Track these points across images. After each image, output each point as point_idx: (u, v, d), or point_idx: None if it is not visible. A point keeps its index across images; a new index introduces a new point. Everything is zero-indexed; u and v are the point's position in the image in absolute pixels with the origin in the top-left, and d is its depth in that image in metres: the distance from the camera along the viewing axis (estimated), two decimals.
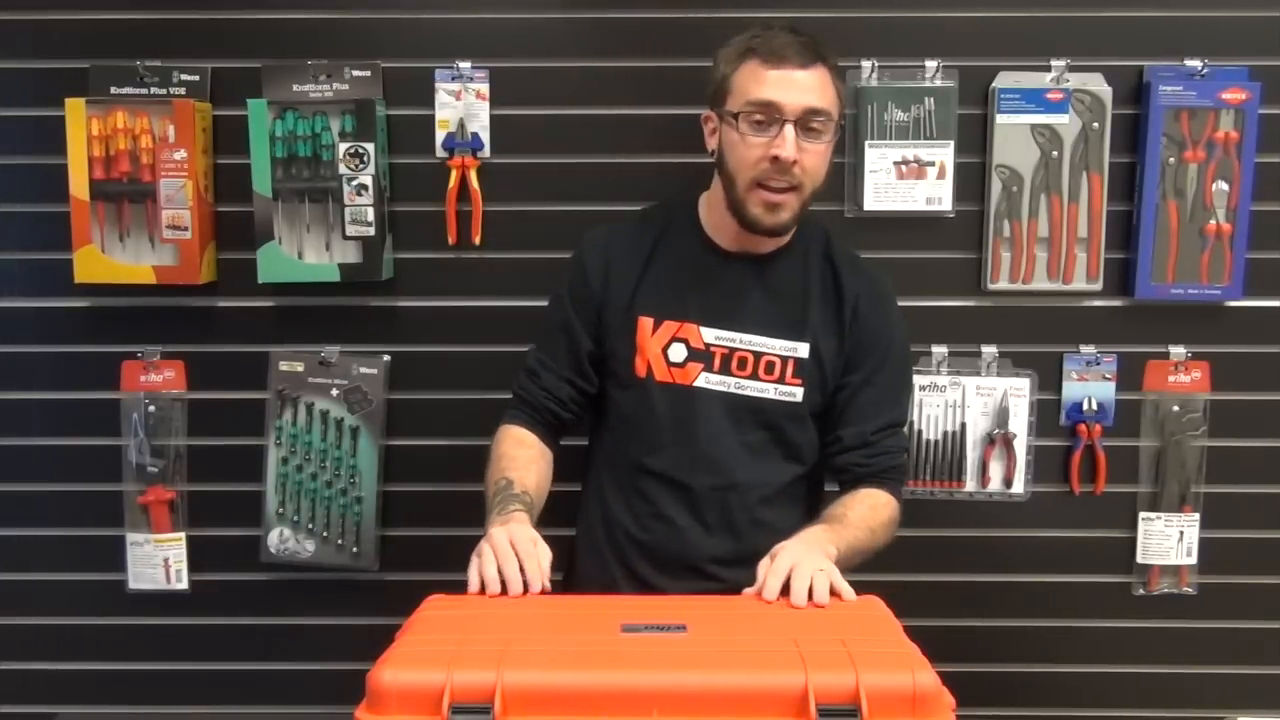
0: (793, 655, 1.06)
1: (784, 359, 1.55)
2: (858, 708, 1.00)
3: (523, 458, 1.54)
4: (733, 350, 1.55)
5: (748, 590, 1.32)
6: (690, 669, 1.06)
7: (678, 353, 1.55)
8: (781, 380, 1.55)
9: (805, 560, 1.31)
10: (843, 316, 1.57)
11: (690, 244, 1.60)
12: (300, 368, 1.92)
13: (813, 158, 1.49)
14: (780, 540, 1.43)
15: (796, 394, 1.56)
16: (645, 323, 1.56)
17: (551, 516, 1.54)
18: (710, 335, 1.55)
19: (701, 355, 1.55)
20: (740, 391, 1.55)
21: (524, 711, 1.01)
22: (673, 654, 1.10)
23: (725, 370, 1.55)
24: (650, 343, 1.56)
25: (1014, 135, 1.87)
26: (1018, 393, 1.92)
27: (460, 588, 1.31)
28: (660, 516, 1.57)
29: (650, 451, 1.57)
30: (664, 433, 1.56)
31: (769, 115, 1.46)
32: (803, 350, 1.56)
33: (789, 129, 1.45)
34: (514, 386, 1.63)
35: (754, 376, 1.55)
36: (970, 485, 1.94)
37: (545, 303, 1.66)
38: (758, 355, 1.55)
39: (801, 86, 1.47)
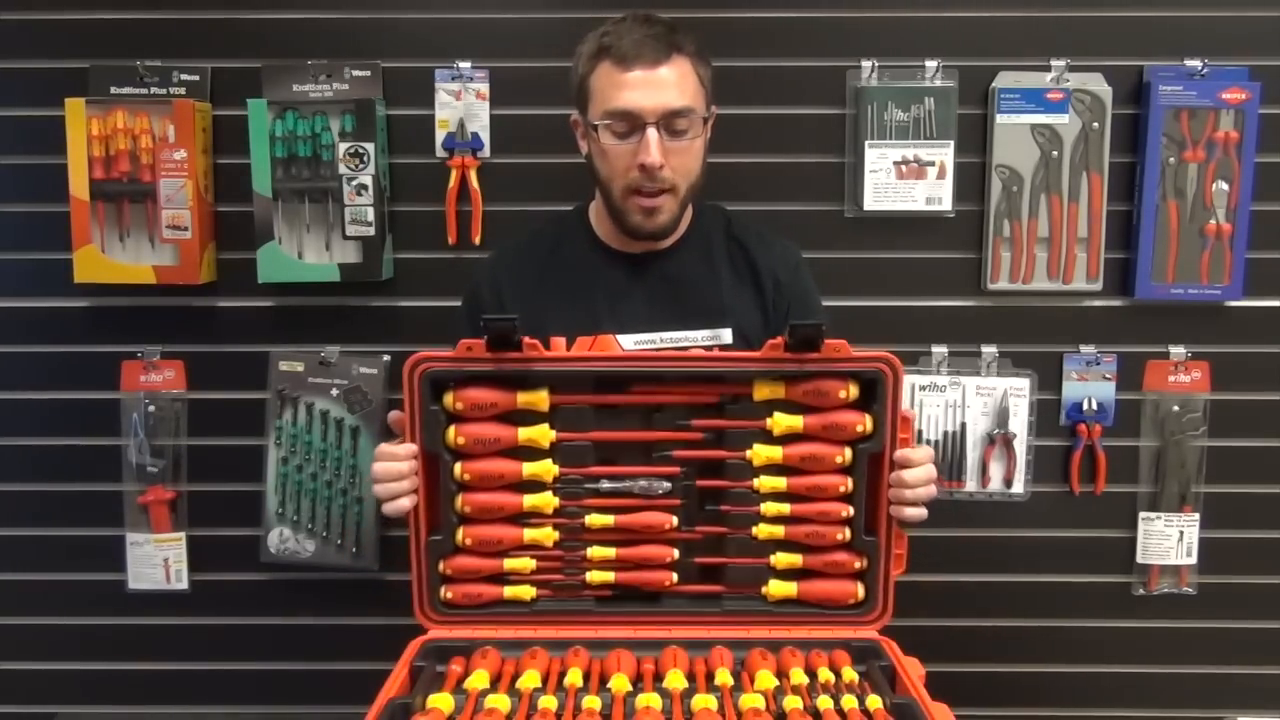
0: None
1: (709, 350, 1.49)
2: None
3: None
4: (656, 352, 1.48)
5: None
6: None
7: None
8: None
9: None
10: (763, 292, 1.52)
11: (587, 252, 1.54)
12: (300, 368, 1.92)
13: (682, 157, 1.43)
14: None
15: None
16: (557, 343, 1.47)
17: None
18: (629, 342, 1.49)
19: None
20: None
21: None
22: None
23: None
24: None
25: (1014, 135, 1.87)
26: (1018, 393, 1.92)
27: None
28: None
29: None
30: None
31: (629, 123, 1.41)
32: (726, 336, 1.50)
33: (651, 133, 1.40)
34: None
35: None
36: (970, 485, 1.94)
37: None
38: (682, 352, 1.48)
39: (659, 85, 1.40)
